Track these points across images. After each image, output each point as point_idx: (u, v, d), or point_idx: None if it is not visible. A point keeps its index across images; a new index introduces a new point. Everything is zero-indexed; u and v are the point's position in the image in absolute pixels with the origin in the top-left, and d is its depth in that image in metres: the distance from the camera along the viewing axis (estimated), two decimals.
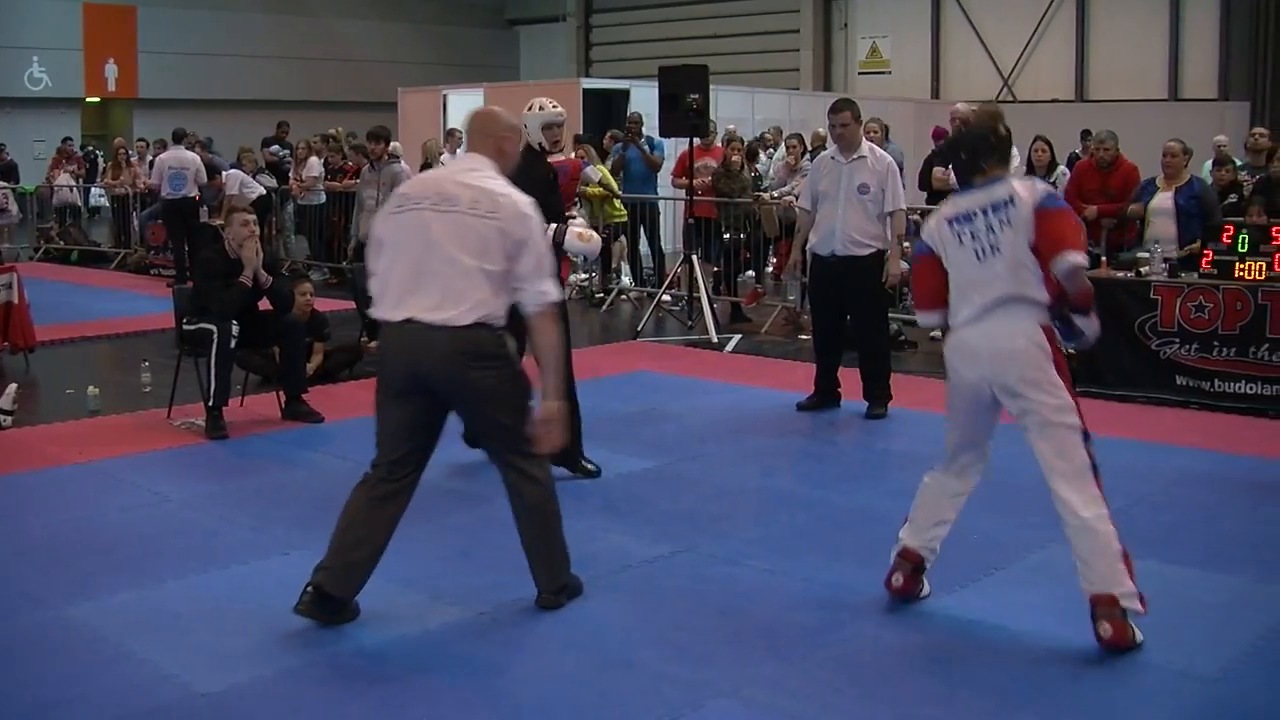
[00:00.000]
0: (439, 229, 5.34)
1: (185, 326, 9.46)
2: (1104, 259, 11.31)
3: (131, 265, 20.42)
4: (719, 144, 15.96)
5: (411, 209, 5.44)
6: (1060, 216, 5.33)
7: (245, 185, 18.01)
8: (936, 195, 13.13)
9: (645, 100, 18.97)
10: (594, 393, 7.96)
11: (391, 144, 14.77)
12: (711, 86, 14.36)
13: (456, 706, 4.82)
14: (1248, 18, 28.55)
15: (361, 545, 5.49)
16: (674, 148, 17.05)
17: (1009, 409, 5.44)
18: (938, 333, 5.85)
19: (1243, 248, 9.89)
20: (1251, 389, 9.67)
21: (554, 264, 5.55)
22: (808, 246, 9.99)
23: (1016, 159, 11.41)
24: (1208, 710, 4.81)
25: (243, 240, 9.35)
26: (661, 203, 17.08)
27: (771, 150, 19.00)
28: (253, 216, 9.66)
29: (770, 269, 16.76)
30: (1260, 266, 9.71)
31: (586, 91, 22.34)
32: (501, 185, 5.46)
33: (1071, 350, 5.69)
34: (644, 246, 16.87)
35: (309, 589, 5.45)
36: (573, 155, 13.30)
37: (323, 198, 18.79)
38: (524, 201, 5.42)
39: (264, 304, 9.61)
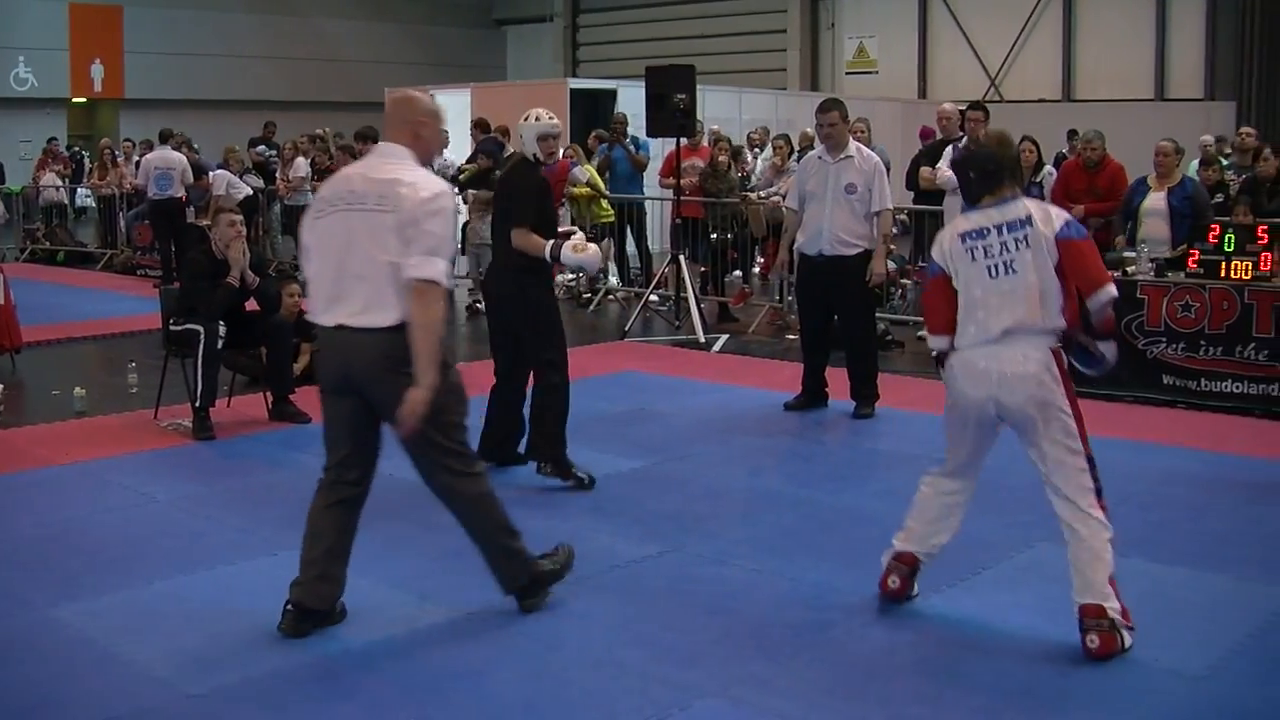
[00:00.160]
0: (352, 230, 5.23)
1: (172, 327, 9.45)
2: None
3: (118, 266, 20.38)
4: (706, 144, 15.96)
5: (329, 212, 5.35)
6: (1090, 249, 5.37)
7: (232, 186, 17.98)
8: (923, 195, 13.16)
9: (632, 100, 18.94)
10: (581, 393, 7.96)
11: (378, 144, 14.71)
12: (698, 86, 14.35)
13: (444, 707, 4.82)
14: (1234, 18, 28.65)
15: (329, 555, 5.46)
16: (661, 148, 17.05)
17: (1015, 430, 5.44)
18: (930, 343, 5.80)
19: (1229, 247, 9.91)
20: (1238, 388, 9.70)
21: (451, 251, 5.27)
22: (795, 246, 10.00)
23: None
24: (1196, 708, 4.82)
25: (229, 241, 9.34)
26: (648, 202, 17.08)
27: (758, 150, 19.00)
28: (239, 217, 9.66)
29: (757, 270, 16.77)
30: (1246, 266, 9.73)
31: (574, 91, 22.34)
32: (408, 174, 5.29)
33: (1093, 375, 5.68)
34: (630, 246, 16.87)
35: (288, 606, 5.44)
36: (561, 155, 13.30)
37: (310, 198, 18.74)
38: (428, 188, 5.22)
39: (251, 304, 9.60)
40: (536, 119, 7.79)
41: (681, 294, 14.01)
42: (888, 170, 10.08)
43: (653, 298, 15.05)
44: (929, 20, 33.50)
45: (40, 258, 22.08)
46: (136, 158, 21.37)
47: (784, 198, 11.67)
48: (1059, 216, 5.39)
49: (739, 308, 14.84)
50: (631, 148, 16.87)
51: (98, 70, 35.04)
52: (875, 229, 9.61)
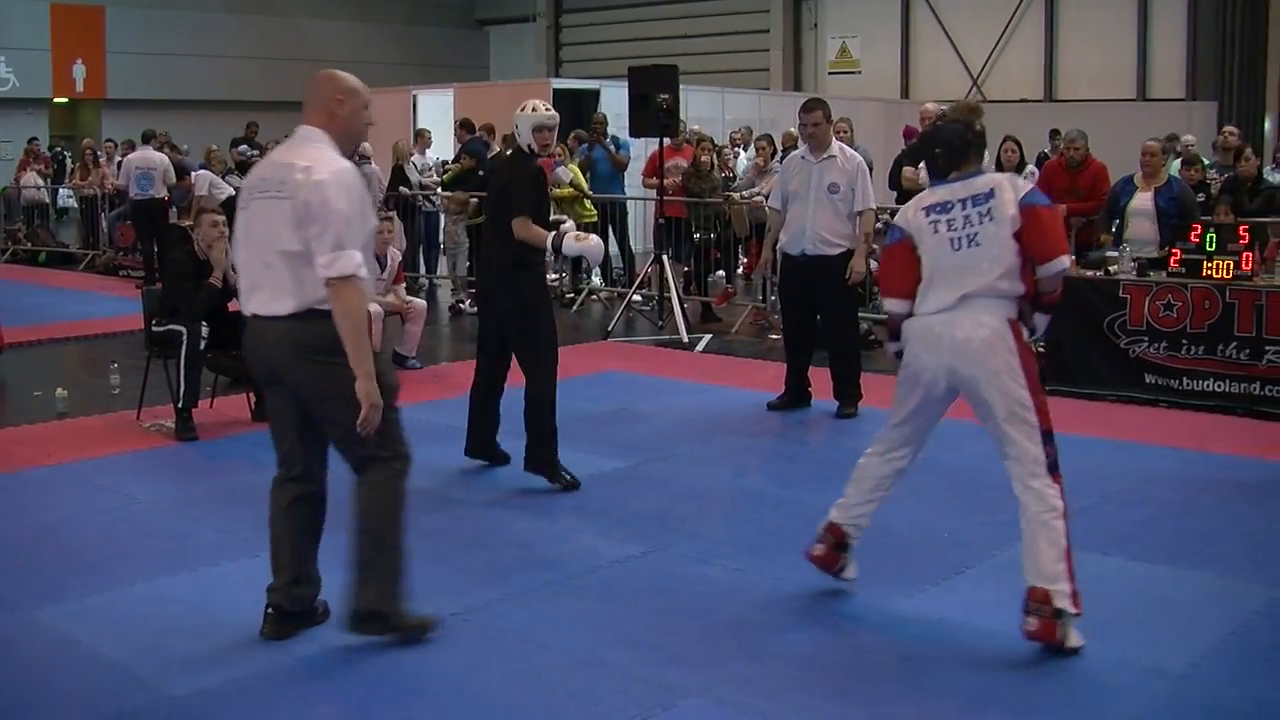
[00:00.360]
0: (261, 217, 5.14)
1: (154, 328, 9.43)
2: (1073, 258, 11.35)
3: (100, 266, 20.33)
4: (688, 144, 15.97)
5: (248, 202, 5.27)
6: (1052, 216, 5.40)
7: (214, 186, 17.92)
8: (906, 195, 13.17)
9: (615, 100, 18.96)
10: (564, 393, 7.95)
11: (361, 144, 14.69)
12: (681, 86, 14.36)
13: (428, 708, 4.82)
14: (1215, 19, 28.72)
15: (297, 559, 5.41)
16: (644, 147, 17.05)
17: (968, 401, 5.43)
18: (885, 306, 5.79)
19: (1210, 246, 9.93)
20: (1220, 387, 9.73)
21: (355, 236, 5.02)
22: (778, 246, 10.01)
23: (986, 159, 11.44)
24: (1176, 706, 4.83)
25: (212, 241, 9.32)
26: (630, 202, 17.08)
27: (739, 149, 19.02)
28: (222, 217, 9.62)
29: (740, 270, 16.78)
30: (1228, 265, 9.76)
31: (556, 92, 22.27)
32: (307, 157, 5.10)
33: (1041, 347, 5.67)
34: (613, 246, 16.86)
35: (268, 610, 5.42)
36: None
37: None
38: (323, 170, 5.03)
39: (234, 305, 9.57)
40: (534, 109, 7.75)
41: (664, 294, 14.01)
42: (870, 170, 10.09)
43: (636, 298, 15.06)
44: (911, 20, 33.53)
45: (22, 258, 22.03)
46: (118, 158, 21.32)
47: (766, 198, 11.68)
48: (1025, 185, 5.43)
49: (722, 308, 14.85)
50: (612, 147, 16.88)
51: (79, 70, 34.93)
52: (858, 228, 9.62)
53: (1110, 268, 10.38)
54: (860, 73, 34.14)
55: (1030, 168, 13.43)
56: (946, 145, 5.57)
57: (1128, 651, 5.25)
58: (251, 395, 9.62)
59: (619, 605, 5.86)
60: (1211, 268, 9.80)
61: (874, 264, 10.33)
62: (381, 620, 5.25)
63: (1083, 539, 6.59)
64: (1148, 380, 10.02)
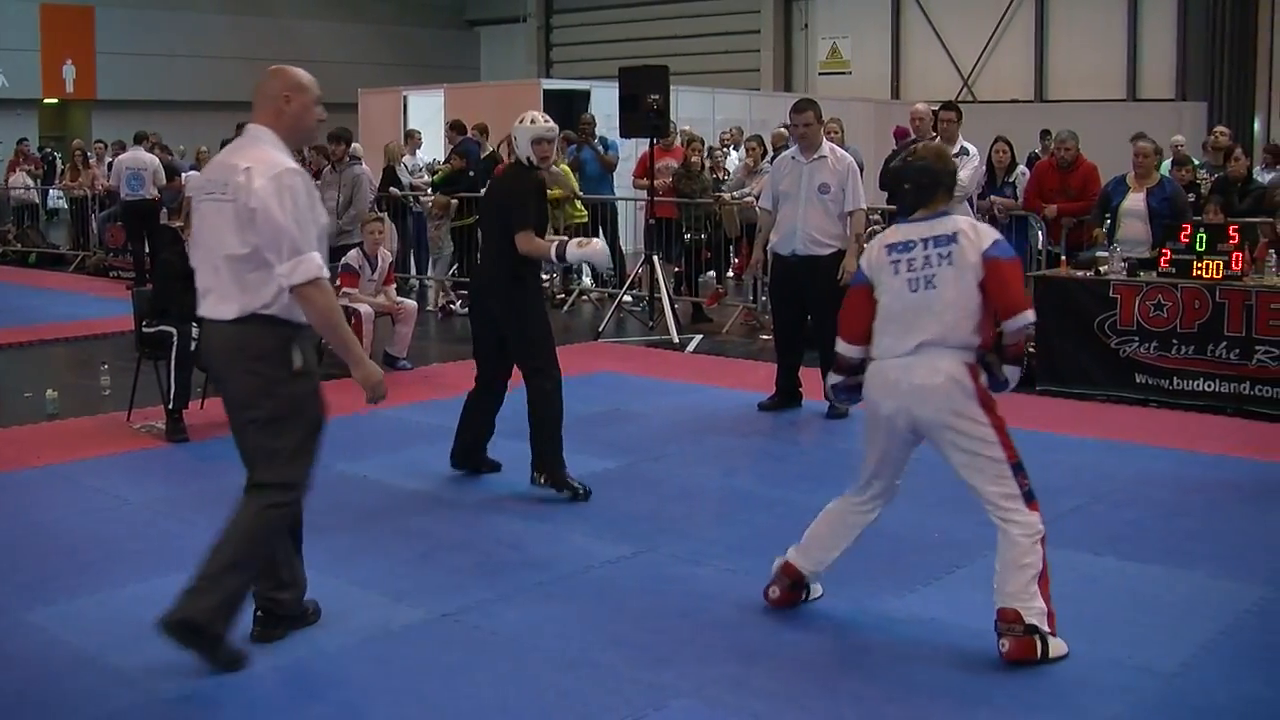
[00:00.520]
0: (208, 220, 5.05)
1: (145, 329, 9.42)
2: (1063, 258, 11.38)
3: (90, 267, 20.29)
4: (679, 144, 15.98)
5: (196, 204, 5.19)
6: (1014, 269, 5.29)
7: None
8: (895, 196, 13.18)
9: (606, 101, 18.97)
10: None
11: (352, 145, 14.71)
12: (672, 87, 14.38)
13: (418, 709, 4.81)
14: (1204, 19, 28.79)
15: (276, 563, 5.34)
16: (634, 148, 17.05)
17: (932, 443, 5.38)
18: (839, 349, 5.76)
19: (1201, 246, 9.94)
20: (1210, 387, 9.75)
21: (309, 237, 4.92)
22: (769, 246, 10.01)
23: (976, 158, 11.47)
24: (1167, 705, 4.84)
25: None
26: (620, 203, 17.08)
27: (729, 149, 19.04)
28: None
29: (731, 271, 16.78)
30: (1218, 265, 9.78)
31: (547, 92, 22.30)
32: (249, 157, 4.99)
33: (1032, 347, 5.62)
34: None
35: (256, 613, 5.39)
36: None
37: None
38: (265, 175, 4.90)
39: None
40: (532, 121, 7.59)
41: (655, 294, 14.02)
42: (860, 170, 10.10)
43: (626, 298, 15.05)
44: (902, 21, 33.58)
45: (11, 260, 21.98)
46: (109, 159, 21.31)
47: (757, 198, 11.68)
48: (989, 235, 5.32)
49: (713, 308, 14.85)
50: (600, 148, 16.87)
51: (69, 71, 34.91)
52: (849, 229, 9.62)
53: (1101, 268, 10.40)
54: (851, 73, 34.20)
55: (1021, 168, 13.44)
56: (915, 182, 5.50)
57: (1118, 651, 5.26)
58: None
59: (610, 606, 5.86)
60: (1201, 268, 9.82)
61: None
62: (198, 635, 4.94)
63: (1074, 539, 6.63)
64: (1138, 380, 10.04)
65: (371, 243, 11.81)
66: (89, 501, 7.62)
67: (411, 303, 12.17)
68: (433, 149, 20.25)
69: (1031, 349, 10.84)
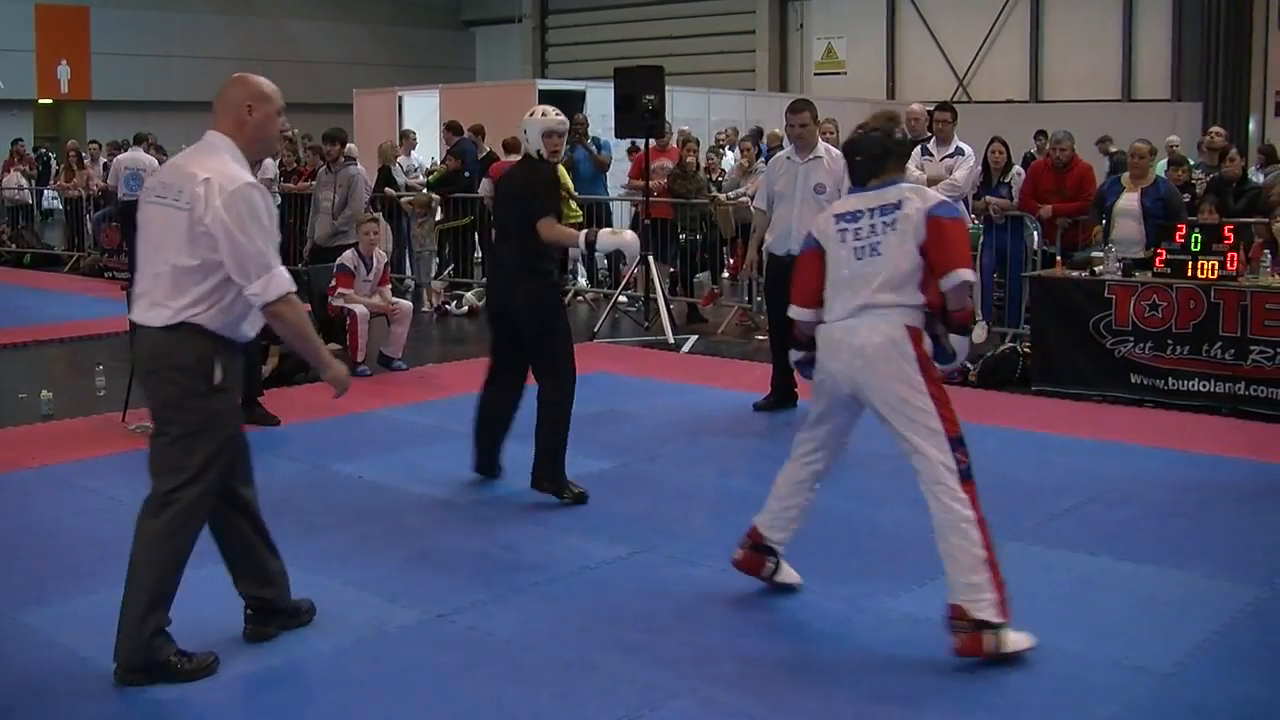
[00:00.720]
0: (158, 224, 4.95)
1: None
2: (1059, 258, 11.38)
3: (85, 268, 20.27)
4: (674, 145, 15.97)
5: (145, 204, 5.10)
6: (955, 228, 5.30)
7: None
8: None
9: (601, 101, 18.97)
10: None
11: (347, 145, 14.69)
12: (667, 87, 14.37)
13: (414, 709, 4.81)
14: (1199, 19, 28.83)
15: (250, 565, 5.33)
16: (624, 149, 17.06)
17: (871, 410, 5.40)
18: (790, 313, 5.79)
19: (1196, 247, 9.95)
20: (1205, 387, 9.75)
21: (266, 253, 4.86)
22: (764, 246, 10.01)
23: (972, 158, 11.48)
24: (1163, 705, 4.84)
25: None
26: (614, 203, 17.07)
27: (724, 149, 19.04)
28: None
29: (726, 271, 16.78)
30: (1213, 265, 9.78)
31: (542, 93, 22.22)
32: (207, 168, 4.88)
33: (945, 369, 5.57)
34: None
35: (247, 611, 5.38)
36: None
37: (278, 200, 18.70)
38: (224, 185, 4.82)
39: None
40: (543, 114, 7.56)
41: (650, 295, 14.02)
42: None
43: (621, 298, 15.04)
44: (897, 21, 33.62)
45: (6, 260, 21.95)
46: (104, 159, 21.30)
47: (752, 198, 11.69)
48: (934, 197, 5.39)
49: (708, 308, 14.85)
50: (593, 148, 16.86)
51: (64, 71, 34.91)
52: None
53: (1096, 268, 10.40)
54: (846, 73, 34.26)
55: (1017, 168, 13.42)
56: (866, 153, 5.54)
57: (1113, 651, 5.26)
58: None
59: (605, 606, 5.86)
60: (1197, 268, 9.82)
61: None
62: (150, 673, 4.95)
63: (1069, 539, 6.65)
64: (1133, 380, 10.04)
65: (367, 243, 11.80)
66: (83, 502, 7.61)
67: (407, 303, 12.16)
68: (428, 149, 20.24)
69: (1026, 349, 10.87)
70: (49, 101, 35.80)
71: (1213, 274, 9.76)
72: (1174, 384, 9.87)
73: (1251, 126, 27.79)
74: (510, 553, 6.63)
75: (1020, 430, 9.19)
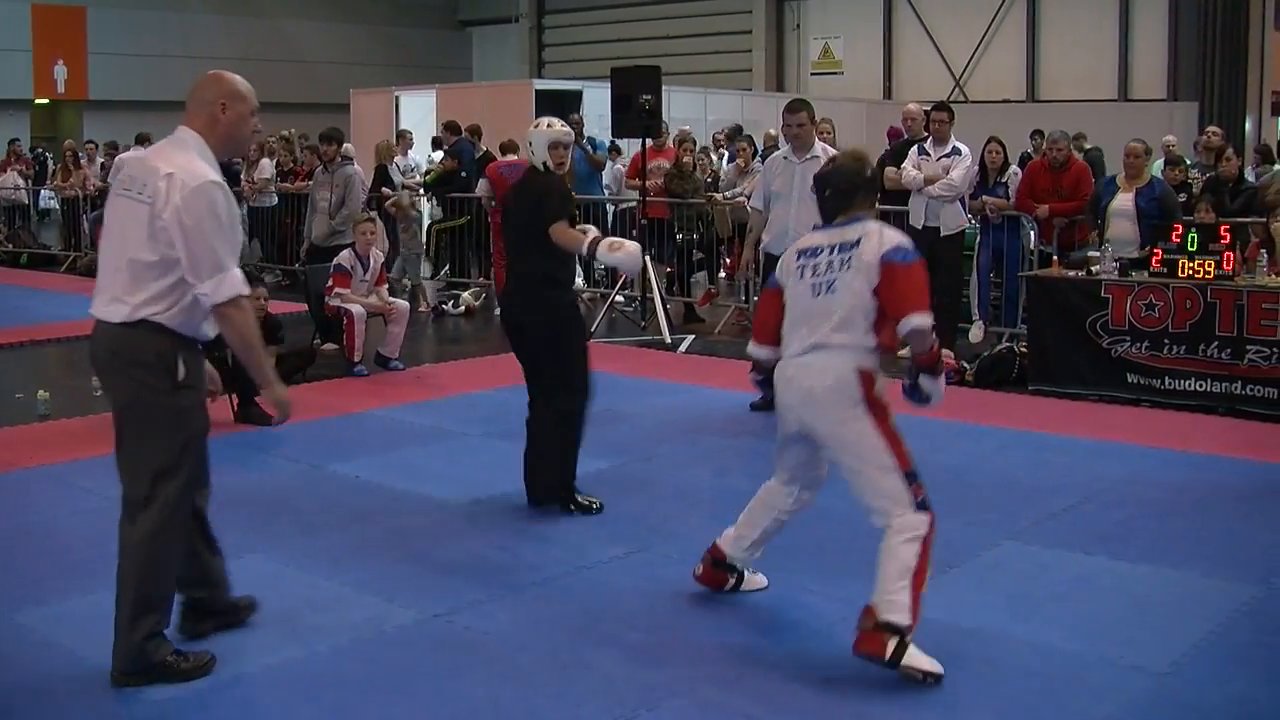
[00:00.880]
0: (120, 218, 4.90)
1: None
2: (1055, 258, 11.38)
3: (81, 268, 20.22)
4: (671, 144, 15.98)
5: (112, 197, 5.07)
6: (908, 274, 5.19)
7: None
8: (888, 195, 13.19)
9: (598, 101, 19.00)
10: None
11: (344, 145, 14.69)
12: (664, 87, 14.37)
13: (411, 709, 4.81)
14: (1196, 19, 28.84)
15: (195, 565, 5.26)
16: (626, 148, 17.04)
17: (825, 450, 5.39)
18: (749, 350, 5.80)
19: (1192, 246, 9.95)
20: (1201, 386, 9.76)
21: (221, 253, 4.78)
22: (761, 246, 10.02)
23: (969, 158, 11.49)
24: (1159, 705, 4.84)
25: None
26: (609, 203, 17.07)
27: (722, 150, 19.04)
28: None
29: (723, 271, 16.78)
30: (1209, 265, 9.79)
31: (539, 93, 22.33)
32: (173, 163, 4.83)
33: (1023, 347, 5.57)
34: None
35: (183, 609, 5.32)
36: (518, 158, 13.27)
37: (275, 200, 18.72)
38: (188, 181, 4.76)
39: None
40: (548, 125, 7.47)
41: (647, 294, 14.01)
42: None
43: (618, 298, 15.04)
44: (894, 21, 33.63)
45: (3, 260, 21.95)
46: (101, 159, 21.28)
47: (748, 198, 11.69)
48: (891, 240, 5.26)
49: (705, 308, 14.84)
50: (589, 148, 16.86)
51: (61, 71, 34.88)
52: None
53: (1092, 268, 10.41)
54: (843, 73, 34.26)
55: (1014, 168, 13.44)
56: (834, 188, 5.51)
57: (1109, 650, 5.26)
58: (234, 397, 9.59)
59: (602, 606, 5.86)
60: (1193, 268, 9.82)
61: None
62: (147, 675, 4.95)
63: (1065, 539, 6.65)
64: (1130, 380, 10.05)
65: (364, 243, 11.80)
66: (80, 502, 7.60)
67: (403, 303, 12.15)
68: (424, 149, 20.25)
69: (1023, 349, 10.88)
70: (45, 101, 35.79)
71: (1209, 274, 9.77)
72: (1170, 384, 9.88)
73: (1248, 126, 27.81)
74: (507, 553, 6.63)
75: (1017, 430, 9.20)
